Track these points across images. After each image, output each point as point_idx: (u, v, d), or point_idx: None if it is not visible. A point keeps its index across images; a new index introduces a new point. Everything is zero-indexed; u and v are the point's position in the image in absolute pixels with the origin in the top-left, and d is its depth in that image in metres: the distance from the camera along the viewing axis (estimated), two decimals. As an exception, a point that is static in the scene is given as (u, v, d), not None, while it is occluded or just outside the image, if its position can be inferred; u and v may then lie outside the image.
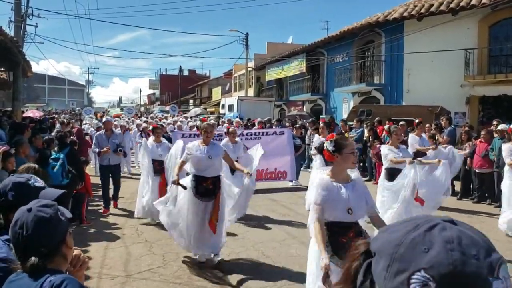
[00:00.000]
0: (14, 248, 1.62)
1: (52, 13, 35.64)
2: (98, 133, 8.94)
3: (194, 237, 5.44)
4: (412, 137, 9.20)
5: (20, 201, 1.89)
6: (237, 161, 7.91)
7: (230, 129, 8.46)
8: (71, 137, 9.44)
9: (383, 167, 6.75)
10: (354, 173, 3.38)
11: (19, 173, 3.21)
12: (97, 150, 8.25)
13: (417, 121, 9.15)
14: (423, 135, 9.34)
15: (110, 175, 8.49)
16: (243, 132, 11.40)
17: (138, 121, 18.21)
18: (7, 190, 2.00)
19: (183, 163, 5.59)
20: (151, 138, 8.26)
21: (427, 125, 11.29)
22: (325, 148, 3.33)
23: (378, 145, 10.94)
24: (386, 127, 6.93)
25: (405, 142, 8.72)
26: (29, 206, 1.65)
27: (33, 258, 1.57)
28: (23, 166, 3.43)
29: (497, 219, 8.12)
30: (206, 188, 5.46)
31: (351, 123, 13.88)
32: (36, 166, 3.44)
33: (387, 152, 6.58)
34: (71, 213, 1.80)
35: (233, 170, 6.67)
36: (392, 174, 6.48)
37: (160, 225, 7.48)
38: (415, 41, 16.95)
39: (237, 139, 8.36)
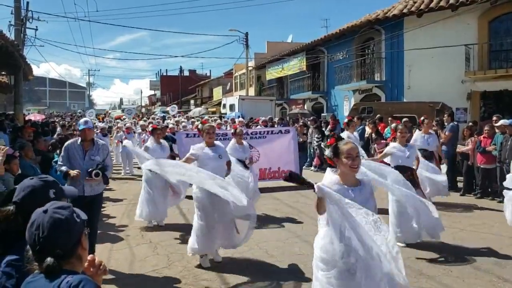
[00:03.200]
0: (30, 248, 1.65)
1: (52, 16, 35.73)
2: (70, 142, 5.56)
3: (213, 235, 5.43)
4: (416, 134, 9.15)
5: (59, 199, 2.00)
6: (244, 161, 7.99)
7: (237, 130, 8.39)
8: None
9: (391, 165, 6.75)
10: (363, 175, 3.35)
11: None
12: (63, 168, 5.26)
13: (422, 118, 9.10)
14: (431, 131, 9.25)
15: (87, 211, 5.21)
16: (247, 132, 11.39)
17: (141, 122, 18.25)
18: (49, 188, 2.07)
19: (189, 159, 5.63)
20: (151, 140, 8.27)
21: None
22: (324, 154, 3.36)
23: (383, 141, 10.94)
24: (393, 125, 6.96)
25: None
26: (45, 207, 1.68)
27: (48, 259, 1.60)
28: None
29: (500, 214, 8.13)
30: None
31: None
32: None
33: (388, 149, 6.62)
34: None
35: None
36: (400, 171, 6.48)
37: (163, 227, 7.53)
38: (415, 38, 16.95)
39: (243, 140, 8.33)
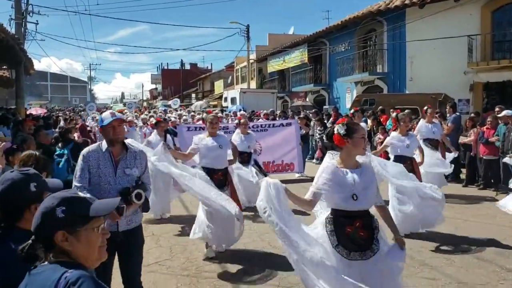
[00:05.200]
0: None
1: (52, 10, 35.50)
2: (90, 148, 3.56)
3: (215, 228, 5.40)
4: (420, 124, 9.04)
5: (41, 192, 2.00)
6: (250, 152, 8.02)
7: (242, 120, 8.44)
8: (81, 137, 9.50)
9: (391, 155, 6.72)
10: (363, 158, 3.30)
11: (19, 162, 3.24)
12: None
13: (425, 108, 9.05)
14: (435, 120, 9.15)
15: (118, 255, 3.54)
16: (249, 125, 11.39)
17: (143, 115, 18.26)
18: (30, 181, 2.01)
19: (190, 154, 5.70)
20: (154, 133, 8.26)
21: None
22: (335, 132, 3.21)
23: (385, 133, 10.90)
24: (394, 115, 6.90)
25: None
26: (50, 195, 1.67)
27: (27, 243, 1.62)
28: (24, 153, 3.43)
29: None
30: (218, 179, 5.49)
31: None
32: (37, 153, 3.45)
33: (387, 140, 6.59)
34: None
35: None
36: (400, 161, 6.46)
37: (166, 219, 7.54)
38: (417, 29, 16.85)
39: (248, 130, 8.40)
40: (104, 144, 3.51)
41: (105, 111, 3.84)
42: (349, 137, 3.14)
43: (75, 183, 3.43)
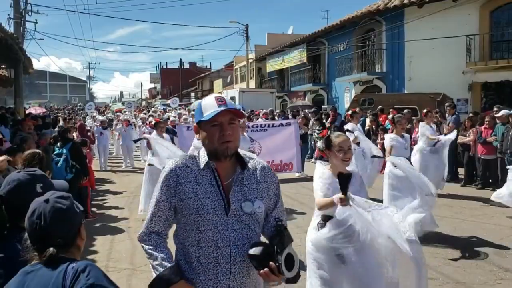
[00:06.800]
0: (29, 238, 1.64)
1: (51, 9, 35.49)
2: (177, 162, 1.96)
3: None
4: (424, 126, 9.04)
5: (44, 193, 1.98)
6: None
7: (240, 122, 8.53)
8: (80, 137, 9.49)
9: (389, 155, 6.72)
10: (351, 166, 3.36)
11: (24, 161, 3.25)
12: (161, 271, 1.96)
13: (425, 110, 9.03)
14: (432, 125, 9.16)
15: None
16: (248, 124, 11.38)
17: (142, 114, 18.25)
18: (36, 182, 2.03)
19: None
20: (154, 133, 8.26)
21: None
22: (317, 145, 3.37)
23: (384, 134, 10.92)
24: (390, 116, 6.89)
25: (408, 131, 8.67)
26: (46, 197, 1.67)
27: (51, 249, 1.58)
28: (28, 152, 3.46)
29: (500, 205, 8.12)
30: None
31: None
32: (41, 152, 3.49)
33: (389, 142, 6.56)
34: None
35: None
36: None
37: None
38: (416, 29, 16.87)
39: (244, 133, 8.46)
40: (202, 156, 1.98)
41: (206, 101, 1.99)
42: (328, 150, 3.27)
43: (146, 225, 2.09)
